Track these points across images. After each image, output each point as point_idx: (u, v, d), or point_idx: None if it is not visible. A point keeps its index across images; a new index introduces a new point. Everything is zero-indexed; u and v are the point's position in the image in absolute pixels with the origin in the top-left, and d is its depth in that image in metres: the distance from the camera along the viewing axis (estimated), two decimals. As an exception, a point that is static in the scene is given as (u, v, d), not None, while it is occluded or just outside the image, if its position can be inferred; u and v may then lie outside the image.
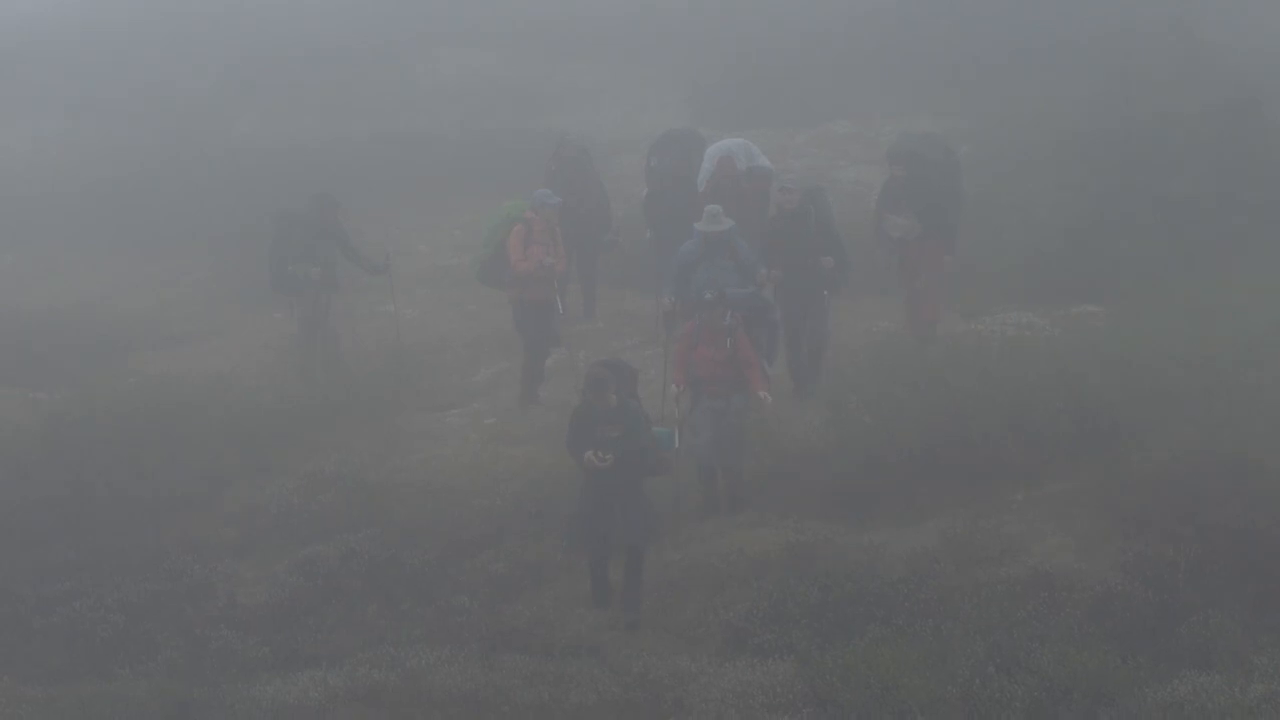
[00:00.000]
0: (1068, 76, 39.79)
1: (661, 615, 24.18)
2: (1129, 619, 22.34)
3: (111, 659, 24.41)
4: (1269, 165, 32.59)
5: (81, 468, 29.01)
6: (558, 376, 30.70)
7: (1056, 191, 34.55)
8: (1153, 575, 22.88)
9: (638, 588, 23.60)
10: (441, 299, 34.16)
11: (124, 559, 26.96)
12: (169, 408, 30.89)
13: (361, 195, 35.41)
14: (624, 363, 24.84)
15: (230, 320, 34.40)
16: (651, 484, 24.66)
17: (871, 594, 23.45)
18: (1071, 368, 27.79)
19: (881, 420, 27.09)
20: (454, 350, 32.60)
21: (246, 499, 28.18)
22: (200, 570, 26.31)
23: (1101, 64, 40.26)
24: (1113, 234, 32.26)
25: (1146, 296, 29.95)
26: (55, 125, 47.26)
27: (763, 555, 24.92)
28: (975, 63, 43.00)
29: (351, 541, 25.13)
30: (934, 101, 41.76)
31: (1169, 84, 37.79)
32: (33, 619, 25.52)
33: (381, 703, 22.00)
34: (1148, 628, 22.17)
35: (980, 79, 42.33)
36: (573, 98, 45.22)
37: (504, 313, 32.27)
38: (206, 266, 36.56)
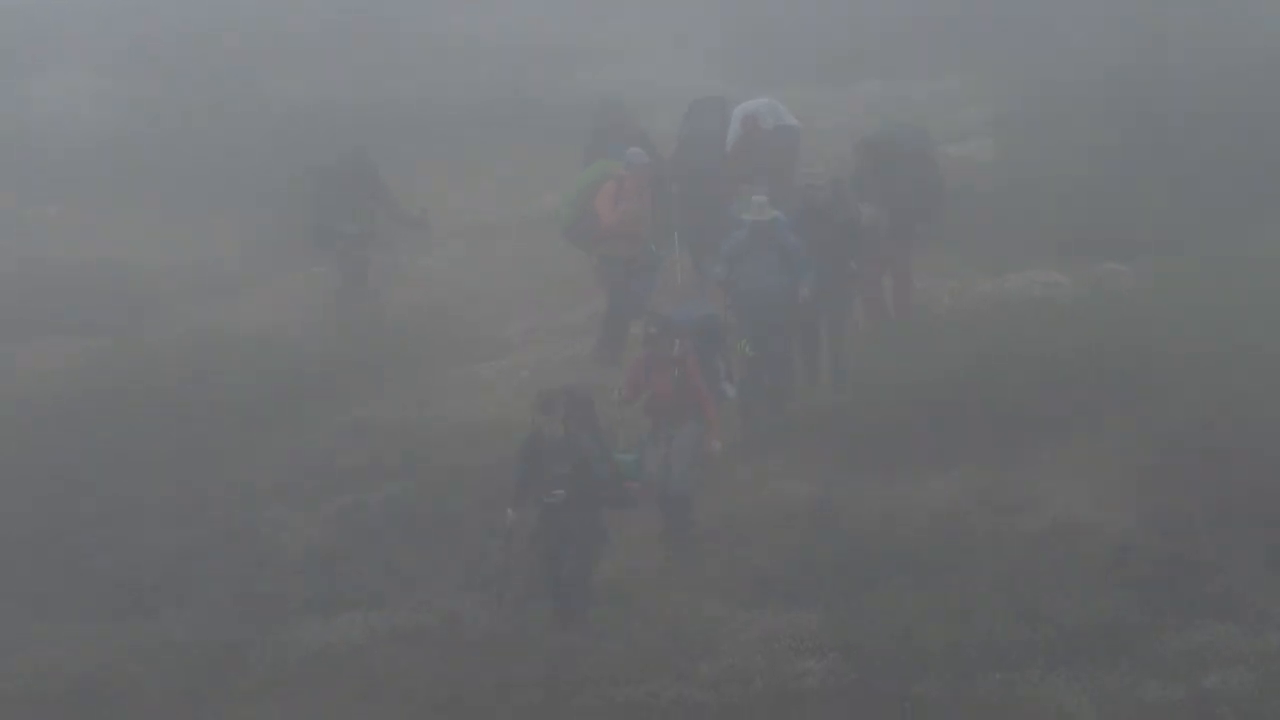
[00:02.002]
0: (1099, 37, 39.72)
1: (692, 564, 24.30)
2: (1147, 570, 22.52)
3: (157, 601, 24.86)
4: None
5: (129, 416, 29.29)
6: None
7: (1084, 151, 34.59)
8: (1171, 528, 23.08)
9: (582, 598, 22.99)
10: (477, 253, 34.20)
11: (171, 505, 27.15)
12: (212, 359, 31.09)
13: (397, 151, 35.31)
14: (580, 389, 24.21)
15: (271, 274, 34.42)
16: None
17: (895, 544, 23.71)
18: (1096, 327, 27.93)
19: (908, 378, 27.31)
20: (490, 304, 32.51)
21: (288, 448, 28.26)
22: (244, 516, 26.57)
23: (1132, 22, 40.22)
24: (1139, 194, 32.32)
25: (1172, 256, 30.07)
26: (95, 80, 47.29)
27: (791, 506, 25.10)
28: (1004, 24, 42.92)
29: (389, 489, 25.32)
30: (964, 60, 41.73)
31: (1199, 45, 37.82)
32: (83, 562, 25.91)
33: (419, 644, 22.32)
34: (1165, 578, 22.26)
35: (1009, 40, 42.27)
36: (603, 55, 45.11)
37: (539, 268, 32.92)
38: (247, 221, 36.59)
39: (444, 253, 34.10)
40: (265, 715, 21.63)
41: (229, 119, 42.63)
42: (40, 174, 41.60)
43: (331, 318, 32.29)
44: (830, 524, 24.53)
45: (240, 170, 38.90)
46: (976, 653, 21.17)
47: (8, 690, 22.98)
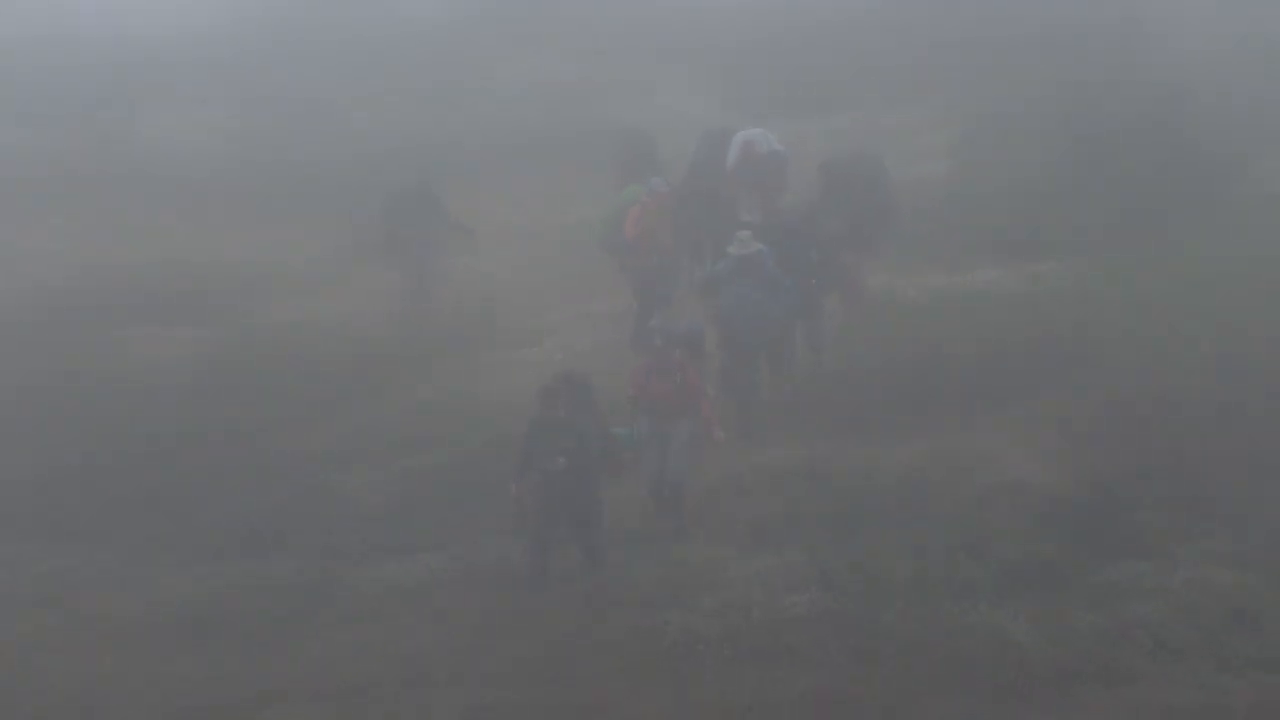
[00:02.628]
0: (1047, 71, 39.72)
1: (699, 516, 24.43)
2: (1077, 518, 22.76)
3: (257, 545, 25.03)
4: (1195, 147, 32.68)
5: (232, 392, 29.62)
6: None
7: (1024, 168, 34.70)
8: (1097, 482, 23.31)
9: (596, 553, 23.11)
10: (519, 257, 34.32)
11: (268, 466, 27.41)
12: (300, 345, 31.40)
13: (454, 175, 35.58)
14: (581, 376, 24.22)
15: (349, 276, 34.60)
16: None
17: (869, 498, 23.98)
18: (1033, 316, 28.14)
19: (876, 359, 27.54)
20: (528, 299, 32.58)
21: (364, 419, 28.55)
22: (330, 475, 26.84)
23: (1074, 58, 40.18)
24: (1071, 203, 32.42)
25: (1097, 256, 30.16)
26: (222, 117, 47.43)
27: (781, 467, 25.25)
28: (964, 60, 42.78)
29: (446, 454, 25.56)
30: (928, 92, 41.67)
31: (1124, 79, 37.79)
32: (195, 513, 26.17)
33: (474, 581, 22.67)
34: (1093, 524, 22.51)
35: (967, 74, 42.17)
36: (620, 93, 45.09)
37: (572, 269, 33.04)
38: (330, 231, 36.67)
39: (490, 257, 34.19)
40: (349, 642, 21.79)
41: (316, 145, 42.79)
42: (156, 188, 41.76)
43: (398, 311, 32.49)
44: (815, 482, 24.72)
45: (325, 189, 39.00)
46: (935, 586, 21.43)
47: (131, 617, 23.27)
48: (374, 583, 23.42)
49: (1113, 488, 23.23)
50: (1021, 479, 23.87)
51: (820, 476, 24.85)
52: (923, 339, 27.71)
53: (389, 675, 20.57)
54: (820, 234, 28.76)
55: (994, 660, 19.54)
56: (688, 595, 22.14)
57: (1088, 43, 39.26)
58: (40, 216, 39.93)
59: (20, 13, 55.99)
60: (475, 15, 54.03)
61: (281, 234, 37.46)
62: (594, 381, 24.41)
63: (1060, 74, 36.38)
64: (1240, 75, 35.11)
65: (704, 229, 30.05)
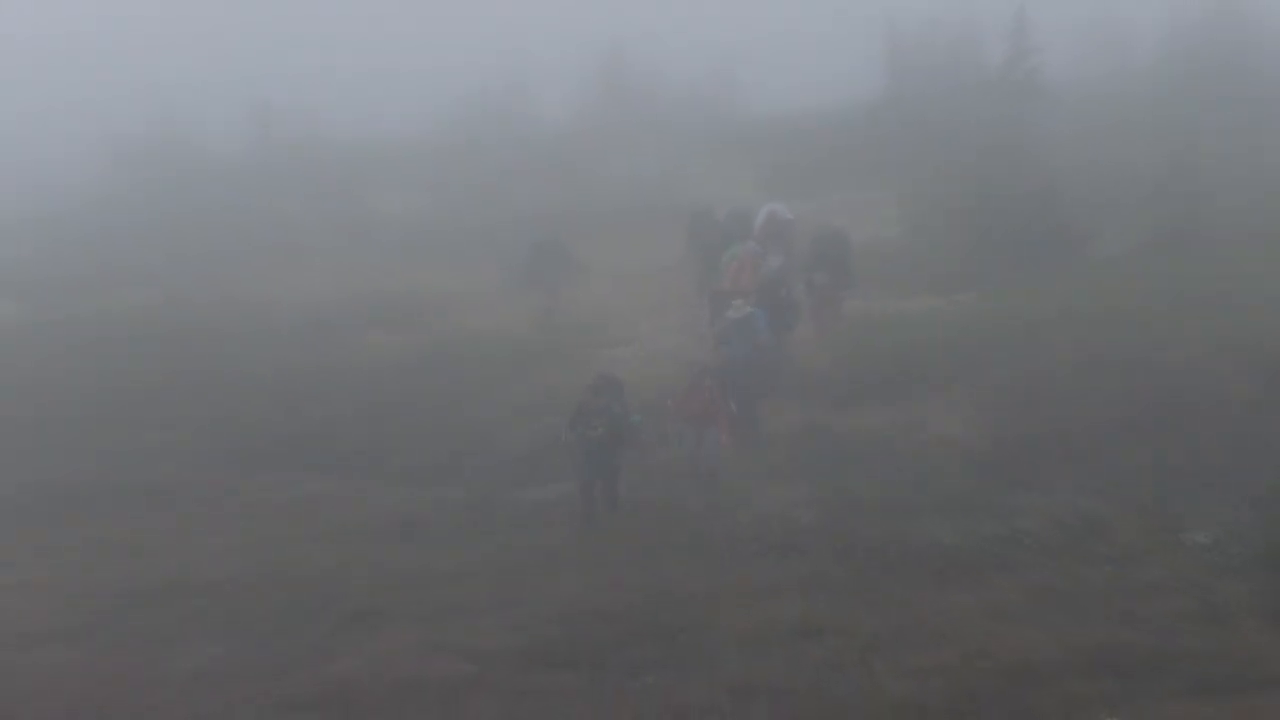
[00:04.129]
0: (963, 166, 39.21)
1: (733, 459, 24.53)
2: (986, 461, 23.00)
3: (439, 477, 25.45)
4: (1060, 222, 32.52)
5: (429, 375, 30.01)
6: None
7: (949, 232, 34.47)
8: (1004, 440, 23.48)
9: (614, 496, 23.22)
10: (618, 288, 34.11)
11: (449, 424, 27.65)
12: (470, 346, 31.67)
13: (576, 233, 35.50)
14: (615, 377, 24.46)
15: (505, 300, 34.69)
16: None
17: (850, 449, 24.22)
18: (958, 327, 28.06)
19: (854, 358, 27.50)
20: (625, 316, 32.32)
21: (513, 393, 28.59)
22: (489, 431, 27.16)
23: (982, 157, 39.70)
24: (978, 255, 32.24)
25: (1001, 288, 30.10)
26: (423, 194, 47.56)
27: (792, 429, 25.44)
28: (915, 153, 42.38)
29: (564, 418, 25.42)
30: (886, 174, 41.29)
31: (1015, 172, 37.42)
32: (397, 454, 26.66)
33: (569, 506, 23.10)
34: (998, 468, 22.71)
35: (917, 161, 41.78)
36: (686, 177, 44.78)
37: (653, 297, 32.98)
38: (493, 269, 36.87)
39: (599, 288, 34.18)
40: (505, 542, 21.89)
41: (484, 212, 42.92)
42: (383, 242, 42.08)
43: (537, 323, 32.38)
44: (814, 438, 24.88)
45: (490, 241, 39.07)
46: (892, 507, 21.61)
47: (359, 523, 23.52)
48: (518, 503, 23.81)
49: (1009, 442, 23.30)
50: (949, 435, 24.03)
51: (818, 434, 25.03)
52: (884, 344, 27.63)
53: (532, 563, 20.70)
54: (810, 280, 29.04)
55: (929, 556, 19.57)
56: (729, 512, 22.40)
57: (992, 146, 38.91)
58: (311, 261, 40.40)
59: (292, 121, 56.29)
60: (591, 123, 54.28)
61: (462, 272, 37.68)
62: (625, 380, 24.61)
63: (972, 169, 36.11)
64: (1092, 177, 34.98)
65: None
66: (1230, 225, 31.65)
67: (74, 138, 59.72)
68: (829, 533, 20.86)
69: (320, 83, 62.99)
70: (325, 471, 26.19)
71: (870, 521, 21.14)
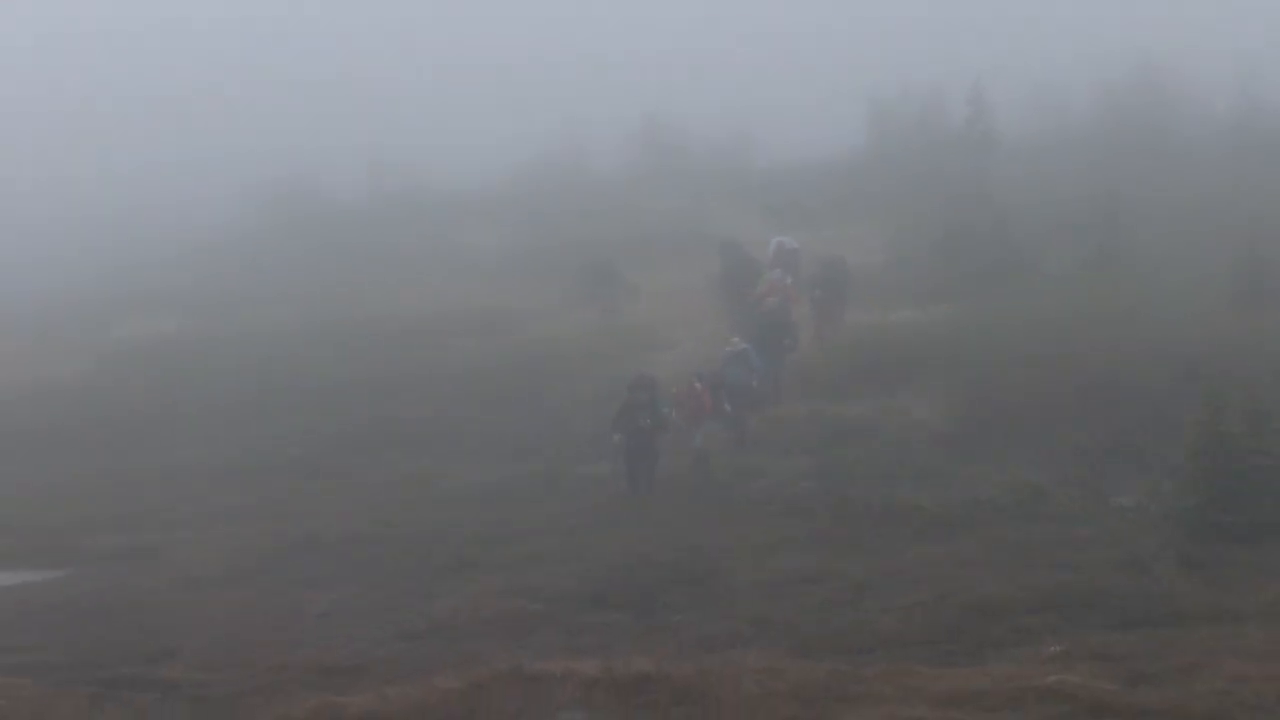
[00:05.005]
0: (937, 202, 38.64)
1: (754, 440, 24.44)
2: (952, 441, 22.81)
3: (522, 454, 25.22)
4: (1016, 245, 32.36)
5: (511, 373, 29.67)
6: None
7: (925, 256, 34.12)
8: (964, 421, 23.28)
9: (650, 479, 22.64)
10: (662, 304, 33.59)
11: (528, 411, 27.53)
12: (538, 348, 31.59)
13: (627, 259, 35.02)
14: (650, 376, 23.84)
15: (569, 313, 34.41)
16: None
17: (842, 430, 24.08)
18: (936, 333, 27.85)
19: (849, 357, 27.41)
20: (668, 326, 31.75)
21: (576, 387, 28.29)
22: (560, 416, 27.07)
23: (952, 197, 39.18)
24: (950, 275, 31.95)
25: (971, 301, 29.96)
26: (500, 229, 47.44)
27: (796, 415, 25.26)
28: (895, 193, 42.13)
29: (616, 407, 25.09)
30: (873, 212, 40.97)
31: (978, 208, 37.09)
32: (490, 436, 26.43)
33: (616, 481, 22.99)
34: (962, 446, 22.58)
35: (899, 200, 41.45)
36: (715, 214, 44.32)
37: (692, 311, 32.52)
38: (555, 289, 36.82)
39: (646, 303, 33.92)
40: (571, 506, 22.02)
41: (551, 242, 42.80)
42: (468, 267, 42.15)
43: (596, 331, 32.08)
44: (815, 422, 24.77)
45: (556, 265, 38.69)
46: (878, 476, 21.59)
47: (459, 491, 23.60)
48: (579, 476, 23.69)
49: (971, 425, 23.14)
50: (923, 420, 23.84)
51: (819, 419, 24.74)
52: (871, 347, 27.42)
53: (594, 519, 20.92)
54: (813, 296, 28.72)
55: (908, 516, 19.55)
56: (746, 481, 22.40)
57: (956, 190, 38.68)
58: (414, 284, 40.34)
59: (398, 173, 56.30)
60: (635, 172, 54.22)
61: (534, 291, 37.37)
62: (662, 378, 24.37)
63: (941, 208, 35.90)
64: (1036, 213, 34.80)
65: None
66: (1146, 251, 31.50)
67: (221, 185, 60.11)
68: (827, 497, 20.88)
69: (420, 142, 63.28)
70: (428, 450, 26.11)
71: (861, 488, 21.12)
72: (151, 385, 32.38)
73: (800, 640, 14.81)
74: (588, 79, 75.06)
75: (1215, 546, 16.83)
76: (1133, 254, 31.01)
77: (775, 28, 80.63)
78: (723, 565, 18.17)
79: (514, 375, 29.51)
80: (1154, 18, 62.74)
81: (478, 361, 30.72)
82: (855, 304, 30.02)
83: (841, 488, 21.24)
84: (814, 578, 17.30)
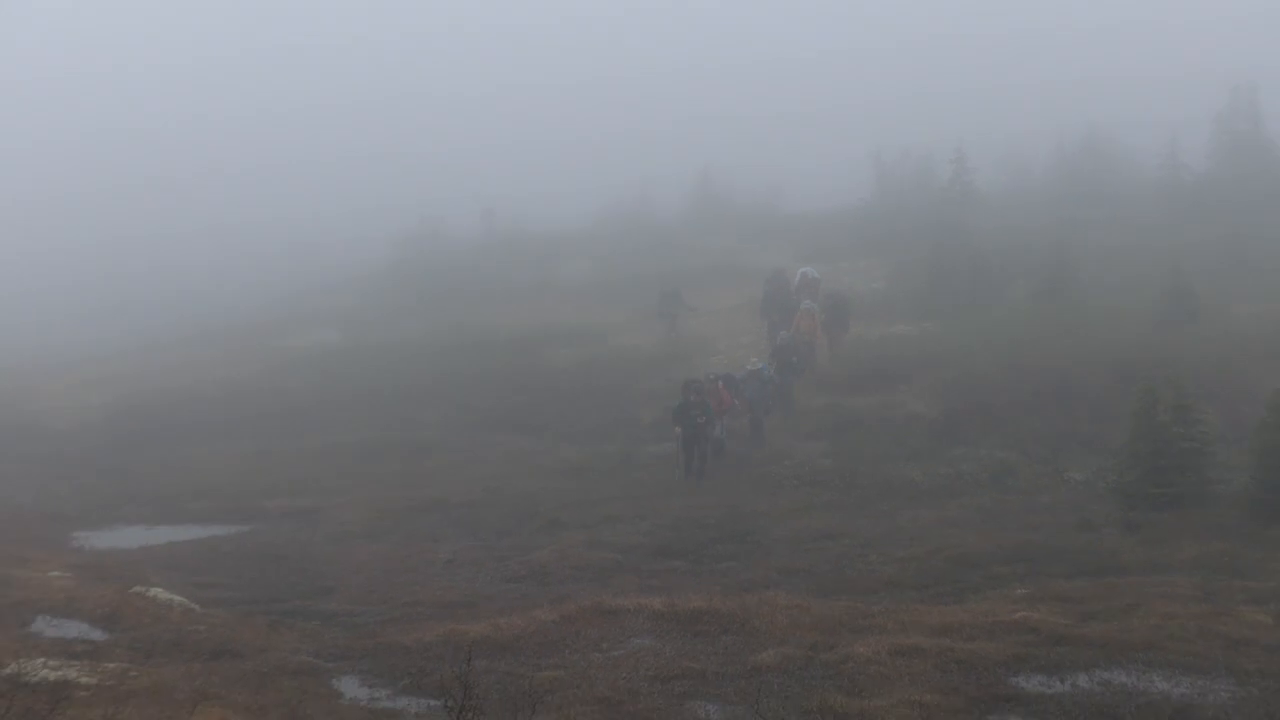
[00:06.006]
0: (926, 241, 38.66)
1: (775, 426, 24.12)
2: (941, 428, 22.44)
3: (601, 438, 24.98)
4: (991, 273, 32.10)
5: (593, 375, 29.49)
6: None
7: (918, 284, 33.81)
8: (949, 412, 22.79)
9: (703, 464, 21.68)
10: (714, 320, 33.68)
11: (607, 404, 27.23)
12: (617, 356, 31.34)
13: (687, 285, 34.12)
14: (698, 379, 22.91)
15: (641, 327, 33.84)
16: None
17: (856, 418, 23.68)
18: (922, 342, 27.69)
19: (855, 362, 27.15)
20: (717, 338, 31.54)
21: (643, 386, 28.03)
22: (630, 408, 26.72)
23: (939, 235, 39.04)
24: (935, 296, 31.59)
25: (947, 320, 29.58)
26: (583, 262, 47.54)
27: (817, 406, 24.79)
28: (895, 232, 41.86)
29: (677, 401, 24.92)
30: (877, 250, 40.60)
31: (957, 243, 36.78)
32: (574, 423, 26.27)
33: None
34: (947, 432, 22.17)
35: (899, 239, 41.13)
36: (757, 250, 44.06)
37: (736, 326, 32.23)
38: (632, 306, 36.69)
39: (702, 320, 33.67)
40: (638, 478, 21.99)
41: (628, 271, 42.67)
42: (560, 293, 42.36)
43: (662, 342, 31.89)
44: (832, 412, 24.49)
45: (631, 290, 38.84)
46: (881, 456, 21.34)
47: (550, 465, 23.54)
48: (647, 455, 23.48)
49: (954, 415, 22.77)
50: (916, 411, 23.43)
51: (834, 410, 24.35)
52: (874, 354, 27.23)
53: (654, 493, 20.84)
54: (821, 321, 27.82)
55: (904, 487, 19.52)
56: (777, 461, 22.14)
57: (942, 232, 38.21)
58: (518, 305, 40.53)
59: (505, 216, 56.45)
60: (691, 216, 54.11)
61: (612, 310, 37.49)
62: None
63: (930, 246, 35.41)
64: (1005, 250, 34.26)
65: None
66: (1092, 282, 31.24)
67: (370, 228, 60.84)
68: (841, 473, 20.77)
69: (522, 192, 63.92)
70: (528, 434, 26.08)
71: (867, 465, 20.97)
72: (313, 383, 32.66)
73: (819, 583, 14.87)
74: (654, 141, 75.62)
75: (1149, 512, 16.70)
76: (1078, 285, 30.75)
77: (801, 100, 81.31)
78: (758, 525, 18.20)
79: (595, 376, 29.43)
80: (1099, 94, 62.68)
81: (567, 366, 30.70)
82: (862, 321, 29.64)
83: (851, 465, 21.07)
84: (830, 535, 17.31)
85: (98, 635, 12.97)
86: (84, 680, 10.72)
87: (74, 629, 13.12)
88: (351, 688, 11.58)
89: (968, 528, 16.98)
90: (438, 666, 11.69)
